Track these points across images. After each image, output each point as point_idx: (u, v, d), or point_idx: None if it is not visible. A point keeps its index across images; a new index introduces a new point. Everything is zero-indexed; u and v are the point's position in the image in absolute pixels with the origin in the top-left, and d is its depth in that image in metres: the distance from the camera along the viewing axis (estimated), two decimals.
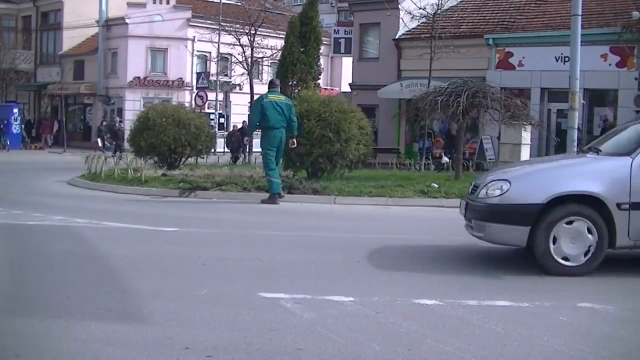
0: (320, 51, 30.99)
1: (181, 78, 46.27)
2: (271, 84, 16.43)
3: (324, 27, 35.08)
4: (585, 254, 8.25)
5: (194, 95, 39.93)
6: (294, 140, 16.23)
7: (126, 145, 29.99)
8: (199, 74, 43.43)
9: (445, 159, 28.51)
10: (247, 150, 31.57)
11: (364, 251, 9.94)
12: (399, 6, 32.30)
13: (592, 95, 27.93)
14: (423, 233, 12.19)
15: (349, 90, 37.49)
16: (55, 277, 8.07)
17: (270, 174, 15.70)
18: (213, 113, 41.84)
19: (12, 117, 45.21)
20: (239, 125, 35.40)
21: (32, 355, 5.33)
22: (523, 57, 29.94)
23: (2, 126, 44.66)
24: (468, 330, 6.03)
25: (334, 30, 39.05)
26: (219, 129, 40.42)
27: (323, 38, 32.09)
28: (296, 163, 19.28)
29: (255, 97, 33.70)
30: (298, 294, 7.18)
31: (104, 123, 44.66)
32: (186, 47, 45.97)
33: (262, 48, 35.05)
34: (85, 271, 8.40)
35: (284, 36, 31.27)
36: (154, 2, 46.22)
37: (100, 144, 41.66)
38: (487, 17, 32.82)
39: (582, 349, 5.60)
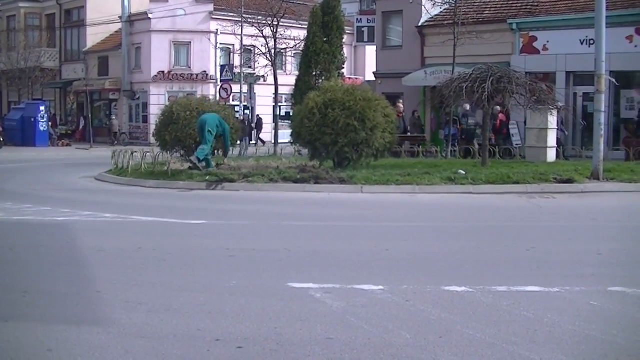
0: (344, 40, 30.84)
1: (205, 71, 46.29)
2: None
3: (347, 16, 34.86)
4: None
5: (218, 88, 39.79)
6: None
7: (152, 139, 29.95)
8: (222, 67, 43.37)
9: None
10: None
11: (392, 239, 9.94)
12: None
13: (617, 78, 27.63)
14: (451, 220, 12.15)
15: (374, 79, 37.35)
16: (84, 271, 8.12)
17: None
18: (238, 105, 41.84)
19: (39, 115, 45.51)
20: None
21: (64, 349, 5.37)
22: (547, 41, 29.64)
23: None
24: (498, 317, 6.00)
25: (357, 19, 38.87)
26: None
27: (346, 27, 31.92)
28: (322, 153, 19.27)
29: (280, 88, 34.23)
30: (327, 283, 7.18)
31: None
32: (209, 40, 46.03)
33: (285, 39, 35.03)
34: (114, 265, 8.45)
35: (306, 26, 31.20)
36: None
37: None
38: (510, 2, 32.53)
39: (613, 334, 5.56)
